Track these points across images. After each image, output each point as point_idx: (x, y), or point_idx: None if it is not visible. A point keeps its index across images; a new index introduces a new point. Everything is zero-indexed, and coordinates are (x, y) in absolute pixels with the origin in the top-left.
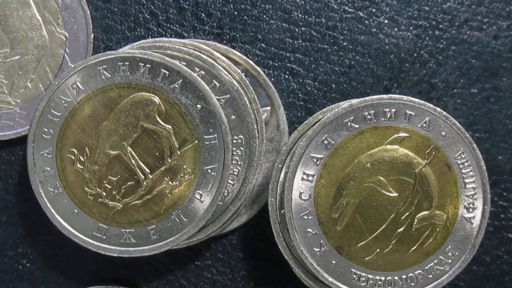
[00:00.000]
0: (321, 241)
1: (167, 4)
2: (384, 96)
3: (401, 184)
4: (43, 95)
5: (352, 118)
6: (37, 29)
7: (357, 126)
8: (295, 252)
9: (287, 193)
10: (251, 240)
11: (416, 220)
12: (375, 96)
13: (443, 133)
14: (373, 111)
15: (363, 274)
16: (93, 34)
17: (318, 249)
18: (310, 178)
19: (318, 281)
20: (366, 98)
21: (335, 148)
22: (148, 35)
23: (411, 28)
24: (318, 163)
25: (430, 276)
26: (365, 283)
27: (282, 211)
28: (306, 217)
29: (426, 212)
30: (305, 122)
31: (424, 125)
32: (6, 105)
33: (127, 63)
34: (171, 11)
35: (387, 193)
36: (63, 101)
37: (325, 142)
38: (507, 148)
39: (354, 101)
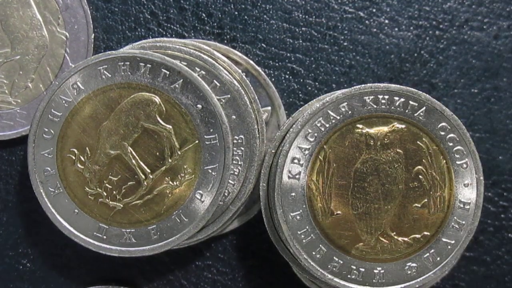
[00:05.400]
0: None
1: (168, 4)
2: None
3: None
4: (43, 95)
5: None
6: (37, 29)
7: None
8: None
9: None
10: (251, 240)
11: None
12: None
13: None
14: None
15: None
16: (93, 34)
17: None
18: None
19: (317, 279)
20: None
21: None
22: (148, 35)
23: (411, 28)
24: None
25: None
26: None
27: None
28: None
29: None
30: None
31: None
32: (6, 105)
33: (128, 63)
34: (172, 11)
35: None
36: (64, 101)
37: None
38: (507, 148)
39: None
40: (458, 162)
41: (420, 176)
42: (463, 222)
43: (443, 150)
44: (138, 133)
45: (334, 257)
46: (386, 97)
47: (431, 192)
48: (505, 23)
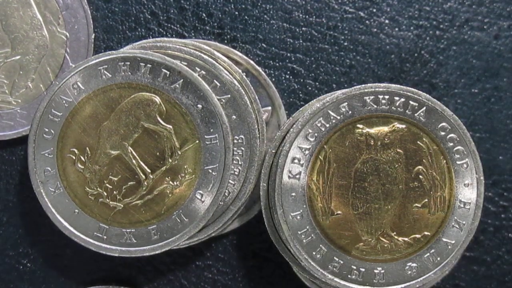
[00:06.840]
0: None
1: (168, 4)
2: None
3: None
4: (44, 95)
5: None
6: (38, 29)
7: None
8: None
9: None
10: (252, 240)
11: None
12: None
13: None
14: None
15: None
16: (94, 34)
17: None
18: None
19: (317, 279)
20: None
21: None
22: (148, 35)
23: (412, 28)
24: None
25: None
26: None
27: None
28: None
29: None
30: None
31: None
32: (7, 105)
33: (128, 63)
34: (172, 11)
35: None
36: (64, 101)
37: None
38: (508, 148)
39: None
40: (458, 162)
41: (421, 176)
42: (464, 222)
43: (443, 150)
44: (138, 133)
45: (335, 257)
46: (387, 97)
47: (431, 192)
48: (506, 23)
